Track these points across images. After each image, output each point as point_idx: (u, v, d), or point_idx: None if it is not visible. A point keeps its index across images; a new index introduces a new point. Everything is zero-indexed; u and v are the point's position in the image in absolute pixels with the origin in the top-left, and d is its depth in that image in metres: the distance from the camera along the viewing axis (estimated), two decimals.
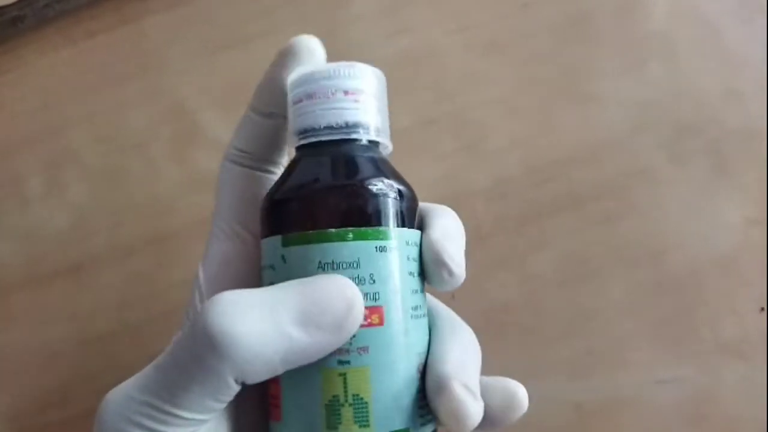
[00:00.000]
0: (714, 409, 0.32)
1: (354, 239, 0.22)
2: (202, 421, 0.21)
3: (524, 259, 0.33)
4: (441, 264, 0.23)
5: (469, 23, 0.36)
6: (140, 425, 0.20)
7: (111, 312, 0.34)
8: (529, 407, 0.32)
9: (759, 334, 0.32)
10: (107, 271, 0.34)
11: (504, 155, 0.35)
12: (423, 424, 0.23)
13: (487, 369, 0.24)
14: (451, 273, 0.23)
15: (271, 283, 0.23)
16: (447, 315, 0.25)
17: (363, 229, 0.22)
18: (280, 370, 0.20)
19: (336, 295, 0.21)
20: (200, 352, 0.19)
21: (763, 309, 0.32)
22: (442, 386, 0.22)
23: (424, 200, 0.25)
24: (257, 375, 0.20)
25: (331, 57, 0.36)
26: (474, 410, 0.21)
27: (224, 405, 0.21)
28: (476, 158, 0.35)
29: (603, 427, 0.32)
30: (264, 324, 0.19)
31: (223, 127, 0.36)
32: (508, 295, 0.33)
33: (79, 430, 0.33)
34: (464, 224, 0.25)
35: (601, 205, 0.34)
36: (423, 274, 0.24)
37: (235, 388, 0.20)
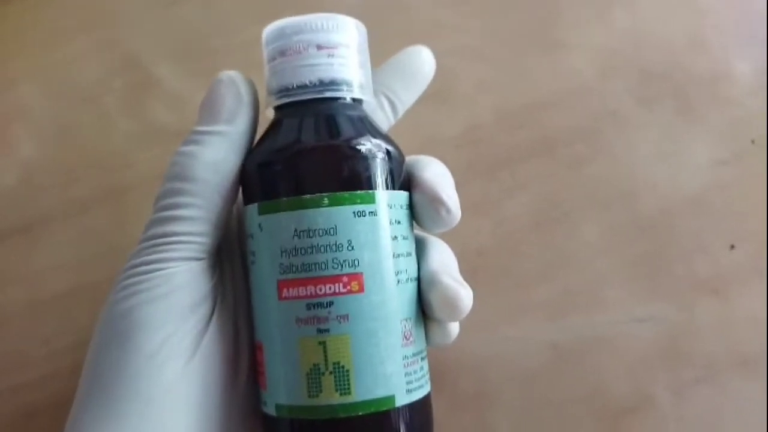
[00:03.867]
0: (690, 345, 0.32)
1: (329, 205, 0.21)
2: (203, 239, 0.22)
3: (498, 204, 0.33)
4: (438, 202, 0.22)
5: None
6: (144, 260, 0.22)
7: (66, 271, 0.32)
8: (507, 348, 0.31)
9: (729, 271, 0.32)
10: (61, 230, 0.32)
11: (474, 102, 0.34)
12: (410, 391, 0.22)
13: None
14: (448, 210, 0.23)
15: (253, 253, 0.22)
16: (421, 234, 0.25)
17: (338, 193, 0.21)
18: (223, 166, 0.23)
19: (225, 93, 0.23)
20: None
21: (732, 246, 0.33)
22: (433, 281, 0.22)
23: None
24: (211, 168, 0.22)
25: (299, 9, 0.35)
26: (465, 294, 0.22)
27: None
28: (446, 106, 0.34)
29: (581, 365, 0.31)
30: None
31: (179, 79, 0.34)
32: (482, 240, 0.32)
33: (37, 395, 0.31)
34: None
35: (572, 149, 0.34)
36: (412, 236, 0.23)
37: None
